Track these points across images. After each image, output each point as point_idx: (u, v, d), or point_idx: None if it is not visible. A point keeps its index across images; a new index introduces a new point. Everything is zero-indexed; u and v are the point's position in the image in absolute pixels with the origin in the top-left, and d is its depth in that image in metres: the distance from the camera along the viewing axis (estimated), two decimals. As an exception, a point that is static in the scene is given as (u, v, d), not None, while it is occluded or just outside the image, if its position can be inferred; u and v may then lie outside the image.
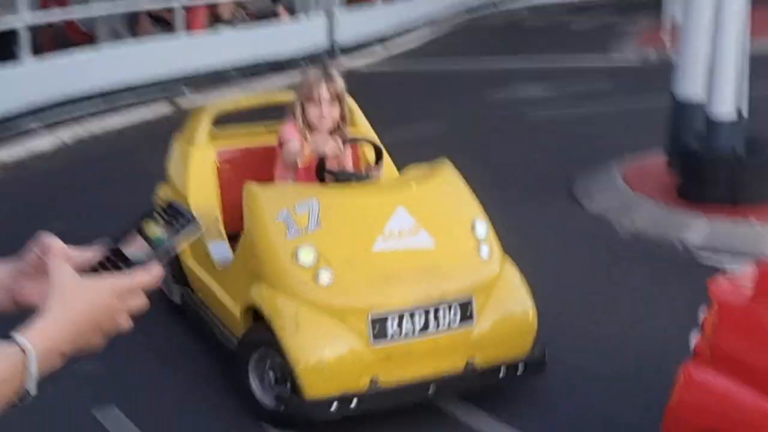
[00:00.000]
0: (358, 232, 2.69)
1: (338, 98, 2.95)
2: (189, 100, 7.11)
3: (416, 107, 6.88)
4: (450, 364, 2.54)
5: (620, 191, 4.70)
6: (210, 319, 3.04)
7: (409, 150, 6.35)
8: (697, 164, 4.32)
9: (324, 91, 2.91)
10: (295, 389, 2.49)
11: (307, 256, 2.56)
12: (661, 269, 3.89)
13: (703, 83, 4.41)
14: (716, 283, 2.00)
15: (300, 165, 2.87)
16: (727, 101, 4.22)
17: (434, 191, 2.89)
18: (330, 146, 2.76)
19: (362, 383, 2.45)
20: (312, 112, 2.92)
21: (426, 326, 2.51)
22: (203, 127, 3.33)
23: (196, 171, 3.26)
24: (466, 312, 2.55)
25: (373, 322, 2.50)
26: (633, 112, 6.25)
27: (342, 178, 2.83)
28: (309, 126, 2.93)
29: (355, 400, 2.44)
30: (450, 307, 2.53)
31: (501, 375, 2.60)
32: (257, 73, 8.00)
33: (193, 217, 0.71)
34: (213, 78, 7.64)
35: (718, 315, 1.89)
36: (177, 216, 0.70)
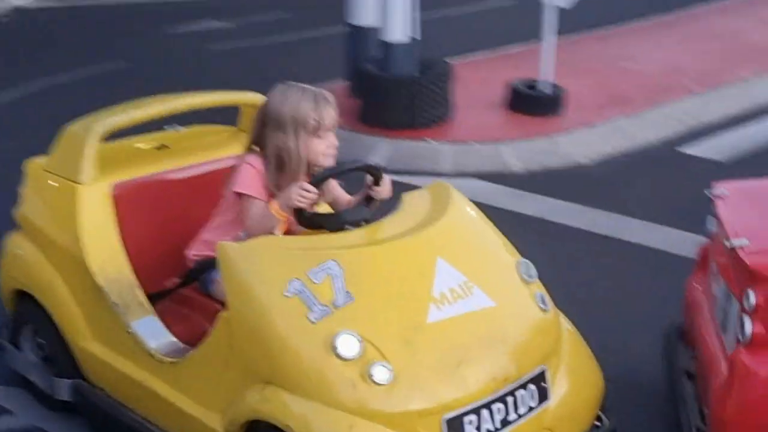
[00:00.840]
0: (403, 301, 2.04)
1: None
2: None
3: (92, 45, 6.52)
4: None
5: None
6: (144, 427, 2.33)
7: (87, 90, 5.83)
8: (376, 89, 4.51)
9: (334, 115, 2.26)
10: None
11: (349, 345, 1.90)
12: (352, 188, 4.13)
13: (376, 9, 4.56)
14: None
15: (279, 232, 2.22)
16: (399, 26, 4.42)
17: (461, 229, 2.30)
18: (295, 196, 2.10)
19: None
20: (318, 146, 2.23)
21: (506, 420, 1.98)
22: (89, 154, 2.43)
23: (90, 220, 2.42)
24: (542, 388, 2.04)
25: (449, 423, 1.92)
26: (315, 41, 6.50)
27: (333, 226, 2.17)
28: (283, 169, 2.24)
29: None
30: (525, 386, 2.01)
31: None
32: None
33: None
34: None
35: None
36: None
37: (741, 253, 1.85)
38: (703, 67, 6.03)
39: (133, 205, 2.51)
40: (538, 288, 2.20)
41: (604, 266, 3.38)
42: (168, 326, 2.33)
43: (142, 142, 2.73)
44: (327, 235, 2.16)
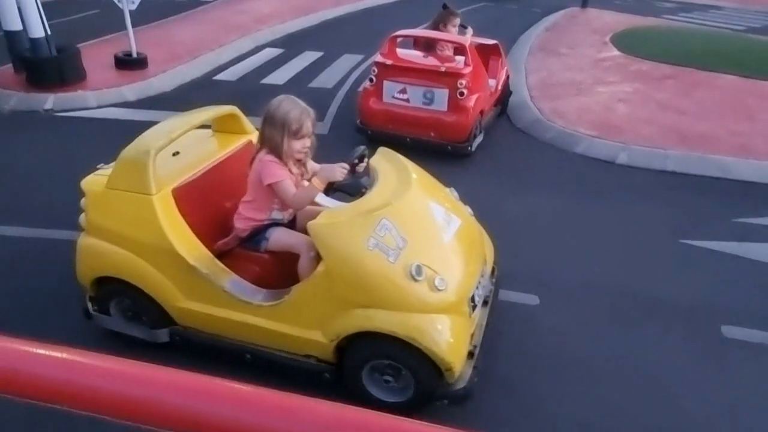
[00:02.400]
0: (429, 234, 2.92)
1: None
2: None
3: None
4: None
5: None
6: (244, 348, 3.07)
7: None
8: (32, 65, 7.68)
9: (310, 126, 2.98)
10: (440, 380, 2.82)
11: (420, 271, 2.72)
12: (73, 133, 7.22)
13: (20, 18, 7.64)
14: None
15: (287, 216, 3.16)
16: (37, 28, 7.62)
17: (421, 177, 3.21)
18: (339, 173, 2.91)
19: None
20: (295, 146, 2.97)
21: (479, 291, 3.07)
22: (151, 172, 2.98)
23: (167, 220, 2.99)
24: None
25: (471, 300, 2.91)
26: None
27: (354, 191, 2.98)
28: (285, 157, 2.99)
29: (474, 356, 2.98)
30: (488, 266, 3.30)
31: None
32: None
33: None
34: None
35: None
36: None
37: None
38: (212, 36, 10.45)
39: (187, 200, 3.08)
40: (463, 202, 3.32)
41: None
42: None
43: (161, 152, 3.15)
44: (362, 201, 2.83)
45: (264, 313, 2.96)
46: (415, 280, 2.71)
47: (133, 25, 8.39)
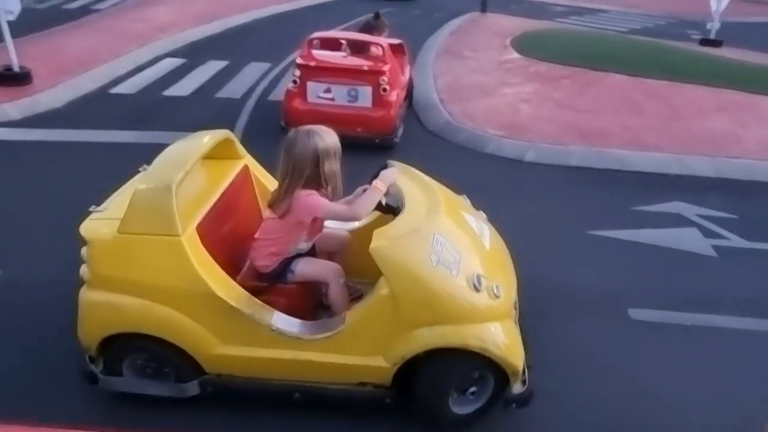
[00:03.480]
0: (473, 244, 3.02)
1: None
2: None
3: None
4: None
5: None
6: (292, 387, 2.93)
7: None
8: None
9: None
10: (499, 387, 2.91)
11: (480, 281, 2.78)
12: None
13: None
14: None
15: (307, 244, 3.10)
16: None
17: (439, 189, 3.25)
18: (394, 174, 3.02)
19: None
20: (331, 166, 2.91)
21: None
22: (175, 210, 2.71)
23: (199, 261, 2.74)
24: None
25: (515, 305, 3.10)
26: None
27: (394, 210, 3.00)
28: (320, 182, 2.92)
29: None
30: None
31: None
32: None
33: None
34: None
35: None
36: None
37: None
38: (106, 47, 9.90)
39: (207, 236, 2.86)
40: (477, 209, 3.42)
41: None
42: None
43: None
44: (403, 219, 2.85)
45: (317, 346, 2.83)
46: (477, 291, 2.76)
47: (15, 36, 7.88)
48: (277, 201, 2.98)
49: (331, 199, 2.98)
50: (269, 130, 6.50)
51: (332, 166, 2.91)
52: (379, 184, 2.94)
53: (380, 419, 3.08)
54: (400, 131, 6.72)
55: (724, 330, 4.01)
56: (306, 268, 3.10)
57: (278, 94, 8.13)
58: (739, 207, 5.80)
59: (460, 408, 3.02)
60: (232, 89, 8.59)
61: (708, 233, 5.28)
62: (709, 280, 4.58)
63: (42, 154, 6.01)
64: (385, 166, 3.15)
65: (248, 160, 3.59)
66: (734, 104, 8.59)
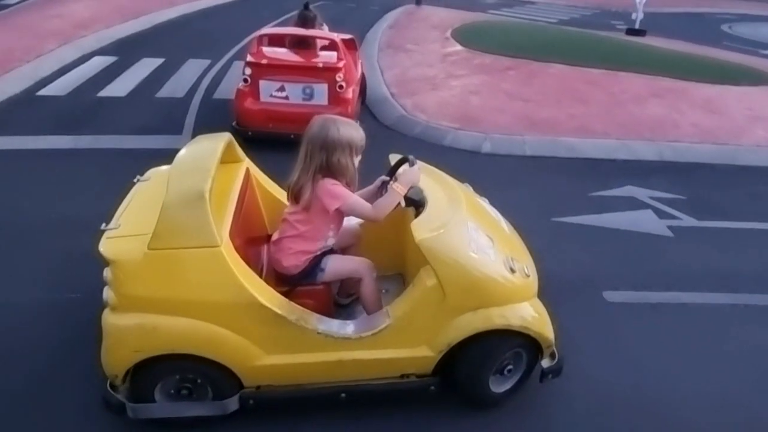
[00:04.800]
0: (498, 229, 3.17)
1: None
2: None
3: None
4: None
5: None
6: (337, 388, 2.89)
7: None
8: None
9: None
10: (535, 358, 3.07)
11: (514, 264, 2.95)
12: None
13: None
14: None
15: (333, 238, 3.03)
16: None
17: (449, 178, 3.38)
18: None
19: None
20: (342, 159, 2.84)
21: None
22: (211, 220, 2.56)
23: (240, 270, 2.63)
24: None
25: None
26: None
27: (418, 203, 2.95)
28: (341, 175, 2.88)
29: None
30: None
31: None
32: None
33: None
34: None
35: None
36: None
37: None
38: (23, 45, 9.31)
39: (234, 243, 2.72)
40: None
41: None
42: None
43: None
44: (439, 209, 2.91)
45: (365, 344, 2.81)
46: (513, 272, 2.90)
47: None
48: (299, 192, 2.88)
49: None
50: (220, 130, 6.23)
51: (343, 159, 2.82)
52: (400, 188, 2.89)
53: (418, 408, 3.09)
54: None
55: (690, 305, 4.20)
56: (337, 265, 3.01)
57: (224, 93, 7.89)
58: (684, 188, 6.08)
59: (498, 386, 3.10)
60: (173, 88, 8.23)
61: (662, 214, 5.51)
62: (671, 259, 4.78)
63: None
64: (403, 160, 3.08)
65: (248, 162, 3.50)
66: (667, 91, 9.02)
